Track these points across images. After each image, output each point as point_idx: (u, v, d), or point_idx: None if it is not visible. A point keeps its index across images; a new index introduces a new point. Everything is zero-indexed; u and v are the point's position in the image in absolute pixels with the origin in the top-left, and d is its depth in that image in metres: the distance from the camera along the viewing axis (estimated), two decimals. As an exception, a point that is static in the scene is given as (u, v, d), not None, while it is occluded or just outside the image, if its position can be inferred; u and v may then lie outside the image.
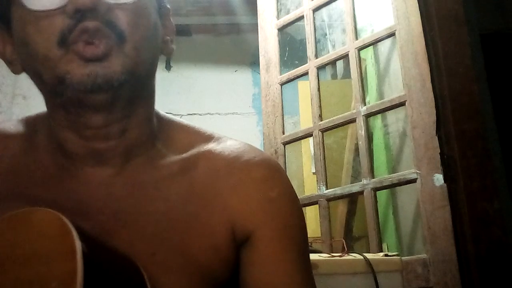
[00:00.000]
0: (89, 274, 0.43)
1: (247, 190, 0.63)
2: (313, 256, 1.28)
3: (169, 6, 0.69)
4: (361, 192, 1.74)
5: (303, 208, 2.03)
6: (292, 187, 0.68)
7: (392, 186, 1.79)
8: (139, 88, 0.61)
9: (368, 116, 1.81)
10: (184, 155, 0.65)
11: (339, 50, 2.01)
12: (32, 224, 0.48)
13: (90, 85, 0.55)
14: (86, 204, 0.60)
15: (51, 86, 0.58)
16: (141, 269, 0.52)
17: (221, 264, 0.61)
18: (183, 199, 0.62)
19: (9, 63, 0.63)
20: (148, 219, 0.60)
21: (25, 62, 0.61)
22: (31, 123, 0.68)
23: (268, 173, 0.66)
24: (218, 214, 0.62)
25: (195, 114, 3.55)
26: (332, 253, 1.37)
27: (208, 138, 0.69)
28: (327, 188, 1.82)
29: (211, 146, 0.67)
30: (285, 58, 2.34)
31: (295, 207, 0.66)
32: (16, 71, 0.63)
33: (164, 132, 0.67)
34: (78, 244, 0.44)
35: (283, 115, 2.03)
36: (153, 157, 0.64)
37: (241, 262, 0.62)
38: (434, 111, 1.59)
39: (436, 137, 1.57)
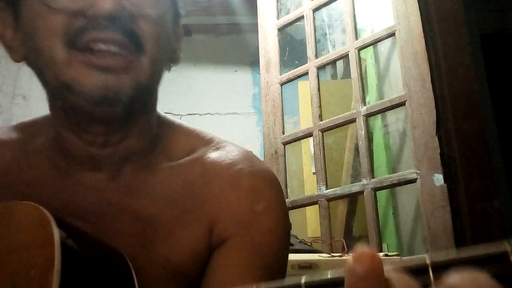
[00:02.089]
0: (70, 263, 0.43)
1: (233, 198, 0.62)
2: (313, 256, 1.28)
3: (181, 12, 0.67)
4: (361, 192, 1.74)
5: (303, 208, 2.04)
6: (284, 204, 0.65)
7: (392, 186, 1.78)
8: (146, 98, 0.61)
9: (368, 116, 1.81)
10: (181, 160, 0.64)
11: (339, 50, 2.01)
12: (14, 217, 0.49)
13: (98, 98, 0.53)
14: (78, 206, 0.60)
15: (54, 89, 0.56)
16: (131, 266, 0.52)
17: (198, 266, 0.60)
18: (170, 201, 0.61)
19: (8, 49, 0.60)
20: (135, 224, 0.60)
21: (29, 55, 0.59)
22: (26, 128, 0.67)
23: (259, 184, 0.63)
24: (202, 218, 0.61)
25: (195, 114, 3.54)
26: (332, 253, 1.37)
27: (208, 142, 0.67)
28: (327, 188, 1.82)
29: (208, 151, 0.66)
30: (285, 58, 2.34)
31: (278, 225, 0.63)
32: (16, 59, 0.60)
33: (164, 136, 0.66)
34: (56, 233, 0.44)
35: (283, 115, 2.03)
36: (150, 163, 0.63)
37: (207, 265, 0.60)
38: (434, 111, 1.59)
39: (436, 137, 1.57)
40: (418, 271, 0.27)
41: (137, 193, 0.62)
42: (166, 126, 0.68)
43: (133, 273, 0.51)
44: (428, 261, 0.27)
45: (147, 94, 0.59)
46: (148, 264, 0.58)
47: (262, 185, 0.64)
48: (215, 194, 0.62)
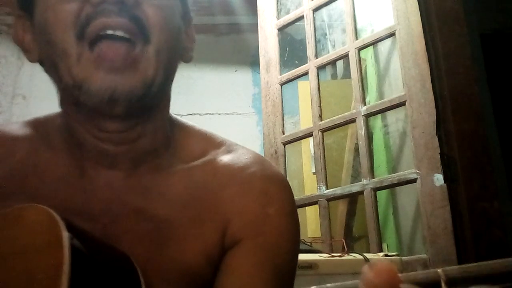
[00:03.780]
0: (78, 268, 0.43)
1: (246, 202, 0.62)
2: (313, 256, 1.28)
3: (192, 16, 0.68)
4: (361, 192, 1.74)
5: (303, 208, 2.04)
6: (294, 207, 0.66)
7: (392, 186, 1.79)
8: (157, 96, 0.60)
9: (368, 116, 1.81)
10: (194, 163, 0.65)
11: (339, 50, 2.01)
12: (23, 220, 0.48)
13: (107, 98, 0.54)
14: (91, 205, 0.60)
15: (66, 86, 0.57)
16: (139, 271, 0.52)
17: (211, 269, 0.60)
18: (184, 204, 0.62)
19: (25, 51, 0.63)
20: (149, 225, 0.60)
21: (43, 51, 0.60)
22: (40, 124, 0.67)
23: (271, 188, 0.64)
24: (215, 221, 0.61)
25: (195, 114, 3.54)
26: (332, 253, 1.37)
27: (219, 145, 0.68)
28: (327, 188, 1.82)
29: (220, 154, 0.66)
30: (285, 58, 2.34)
31: (290, 228, 0.64)
32: (31, 59, 0.63)
33: (176, 138, 0.67)
34: (65, 236, 0.44)
35: (283, 115, 2.03)
36: (163, 164, 0.64)
37: (220, 267, 0.61)
38: (434, 111, 1.59)
39: (436, 137, 1.57)
40: (432, 286, 0.27)
41: (150, 194, 0.61)
42: (178, 128, 0.68)
43: (141, 278, 0.51)
44: (442, 276, 0.27)
45: (158, 90, 0.59)
46: (161, 266, 0.58)
47: (274, 188, 0.64)
48: (228, 197, 0.62)
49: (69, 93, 0.58)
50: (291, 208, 0.65)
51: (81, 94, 0.55)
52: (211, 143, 0.68)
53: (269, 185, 0.64)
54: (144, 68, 0.56)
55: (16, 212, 0.49)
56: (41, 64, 0.63)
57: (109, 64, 0.54)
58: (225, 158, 0.65)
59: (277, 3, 2.20)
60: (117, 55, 0.54)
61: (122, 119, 0.58)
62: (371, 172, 1.74)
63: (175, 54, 0.62)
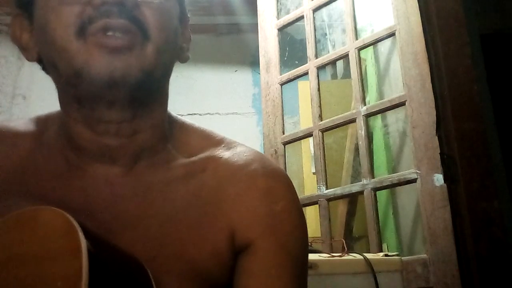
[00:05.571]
0: (94, 273, 0.42)
1: (251, 200, 0.62)
2: (313, 256, 1.28)
3: (189, 16, 0.70)
4: (361, 192, 1.74)
5: (303, 208, 2.04)
6: (299, 202, 0.67)
7: (392, 186, 1.78)
8: (155, 90, 0.61)
9: (368, 116, 1.81)
10: (193, 158, 0.65)
11: (339, 50, 2.01)
12: (38, 223, 0.47)
13: (107, 79, 0.54)
14: (92, 203, 0.60)
15: (67, 78, 0.57)
16: (147, 270, 0.51)
17: (221, 269, 0.60)
18: (187, 202, 0.62)
19: (23, 50, 0.64)
20: (151, 221, 0.60)
21: (42, 50, 0.61)
22: (41, 122, 0.67)
23: (275, 185, 0.64)
24: (221, 220, 0.61)
25: (195, 114, 3.54)
26: (332, 253, 1.37)
27: (219, 142, 0.68)
28: (327, 188, 1.82)
29: (220, 151, 0.66)
30: (285, 58, 2.34)
31: (298, 223, 0.64)
32: (29, 58, 0.63)
33: (175, 135, 0.67)
34: (83, 243, 0.43)
35: (283, 115, 2.04)
36: (162, 160, 0.64)
37: (237, 270, 0.61)
38: (434, 111, 1.59)
39: (436, 137, 1.57)
40: None
41: (151, 191, 0.62)
42: (176, 126, 0.68)
43: (153, 284, 0.51)
44: None
45: (155, 84, 0.60)
46: (167, 264, 0.58)
47: (277, 185, 0.65)
48: (231, 194, 0.63)
49: (69, 87, 0.58)
50: (296, 203, 0.66)
51: (81, 81, 0.55)
52: (210, 140, 0.68)
53: (273, 183, 0.64)
54: (143, 58, 0.56)
55: (29, 215, 0.48)
56: (39, 62, 0.63)
57: (110, 44, 0.54)
58: (225, 156, 0.66)
59: (277, 3, 2.20)
60: (117, 41, 0.55)
61: (121, 108, 0.58)
62: (371, 172, 1.74)
63: (173, 54, 0.64)
